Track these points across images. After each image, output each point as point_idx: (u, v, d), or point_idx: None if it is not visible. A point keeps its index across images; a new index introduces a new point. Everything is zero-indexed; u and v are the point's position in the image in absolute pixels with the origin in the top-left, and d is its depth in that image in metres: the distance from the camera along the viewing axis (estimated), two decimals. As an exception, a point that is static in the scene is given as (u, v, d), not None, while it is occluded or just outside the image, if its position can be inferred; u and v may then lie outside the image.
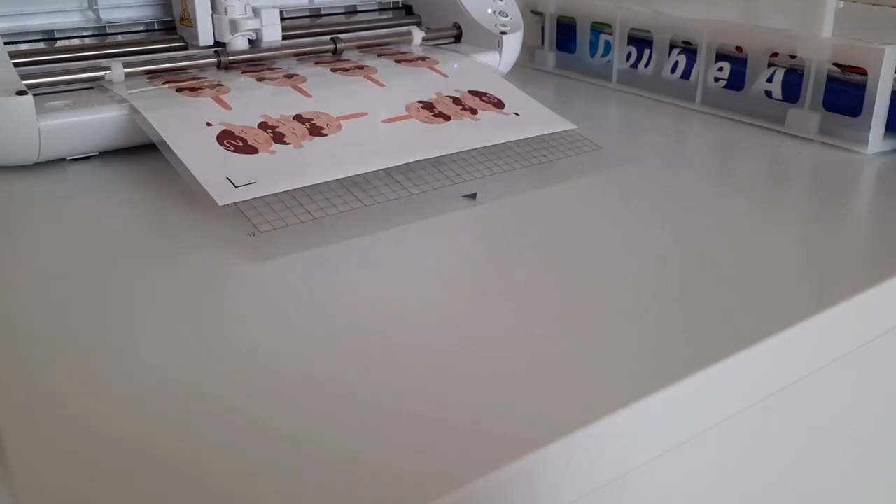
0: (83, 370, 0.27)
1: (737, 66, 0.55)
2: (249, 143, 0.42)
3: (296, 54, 0.56)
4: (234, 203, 0.38)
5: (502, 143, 0.47)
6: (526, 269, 0.34)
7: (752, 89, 0.55)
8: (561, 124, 0.49)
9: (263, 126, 0.43)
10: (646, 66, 0.61)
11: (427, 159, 0.44)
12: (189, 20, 0.53)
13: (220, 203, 0.37)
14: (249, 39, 0.54)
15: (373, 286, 0.33)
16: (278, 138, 0.42)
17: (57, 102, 0.45)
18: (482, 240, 0.37)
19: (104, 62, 0.49)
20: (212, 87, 0.48)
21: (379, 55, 0.56)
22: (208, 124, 0.43)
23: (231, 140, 0.42)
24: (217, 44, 0.53)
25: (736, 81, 0.55)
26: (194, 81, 0.49)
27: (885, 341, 0.36)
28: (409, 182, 0.43)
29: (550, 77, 0.68)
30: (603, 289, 0.33)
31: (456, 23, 0.62)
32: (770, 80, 0.53)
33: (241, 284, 0.33)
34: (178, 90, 0.47)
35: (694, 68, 0.58)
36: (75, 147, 0.45)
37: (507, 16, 0.62)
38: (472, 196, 0.41)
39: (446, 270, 0.34)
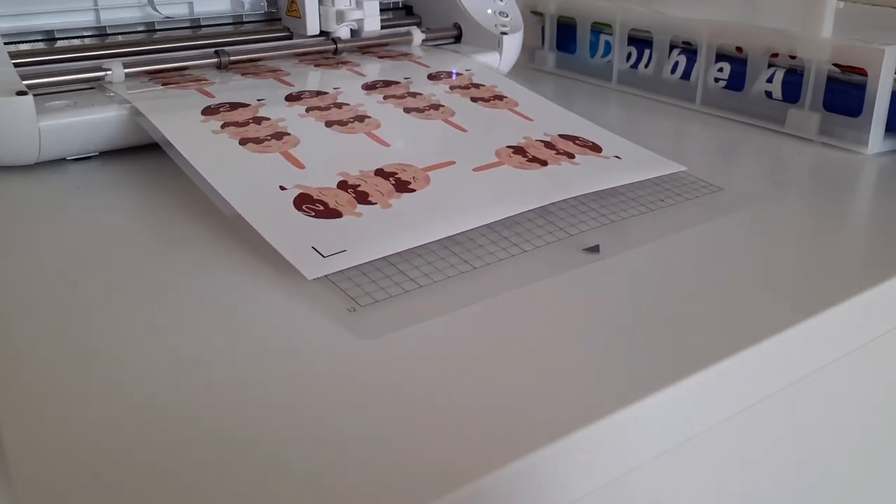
0: (83, 370, 0.27)
1: (737, 66, 0.55)
2: (331, 206, 0.37)
3: (296, 54, 0.56)
4: (327, 277, 0.33)
5: (609, 189, 0.42)
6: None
7: (752, 89, 0.55)
8: (669, 167, 0.45)
9: (343, 186, 0.39)
10: (646, 66, 0.61)
11: (533, 209, 0.39)
12: (296, 11, 0.57)
13: (310, 277, 0.32)
14: (352, 29, 0.58)
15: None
16: (362, 198, 0.38)
17: (57, 102, 0.45)
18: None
19: (104, 62, 0.49)
20: (273, 134, 0.43)
21: (451, 88, 0.52)
22: (282, 188, 0.38)
23: (310, 205, 0.37)
24: (322, 33, 0.57)
25: (736, 82, 0.55)
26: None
27: (885, 342, 0.36)
28: (517, 237, 0.37)
29: (550, 77, 0.68)
30: (601, 289, 0.33)
31: (456, 23, 0.62)
32: (770, 80, 0.53)
33: (233, 280, 0.33)
34: (225, 126, 0.44)
35: (694, 68, 0.58)
36: (75, 147, 0.45)
37: (507, 16, 0.62)
38: (595, 249, 0.36)
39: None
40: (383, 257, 0.34)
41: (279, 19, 0.60)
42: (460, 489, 0.22)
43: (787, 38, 0.52)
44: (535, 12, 0.69)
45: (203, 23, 0.58)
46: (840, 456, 0.39)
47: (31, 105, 0.42)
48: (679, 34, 0.58)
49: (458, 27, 0.62)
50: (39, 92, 0.46)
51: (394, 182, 0.39)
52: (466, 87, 0.52)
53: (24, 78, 0.45)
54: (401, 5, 0.66)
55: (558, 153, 0.44)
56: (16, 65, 0.46)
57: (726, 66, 0.56)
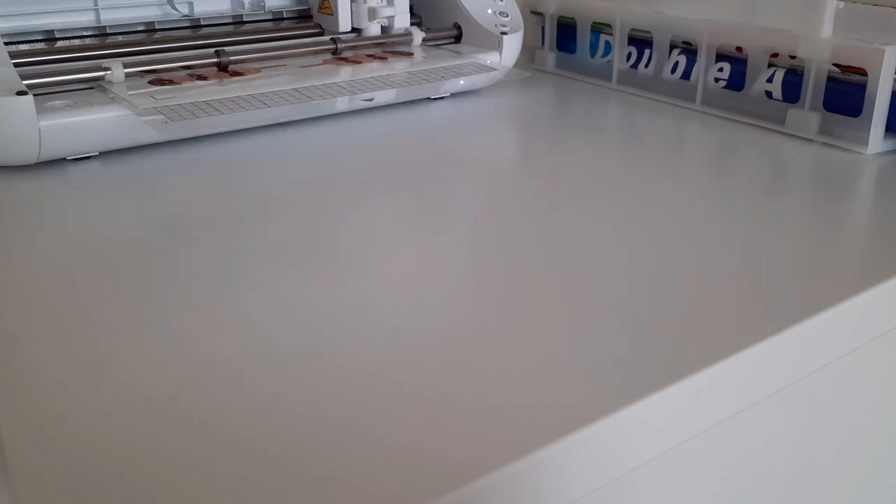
0: (83, 369, 0.27)
1: (737, 66, 0.55)
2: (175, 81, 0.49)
3: (296, 55, 0.56)
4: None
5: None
6: (523, 260, 0.34)
7: (752, 89, 0.55)
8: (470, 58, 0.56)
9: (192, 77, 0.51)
10: (646, 66, 0.61)
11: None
12: (329, 8, 0.59)
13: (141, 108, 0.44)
14: (382, 26, 0.60)
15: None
16: (201, 77, 0.50)
17: (57, 102, 0.45)
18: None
19: (104, 62, 0.49)
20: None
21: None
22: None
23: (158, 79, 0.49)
24: (354, 30, 0.59)
25: (736, 81, 0.55)
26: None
27: (885, 342, 0.36)
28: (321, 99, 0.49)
29: (550, 77, 0.68)
30: (601, 289, 0.33)
31: (456, 23, 0.62)
32: (770, 80, 0.53)
33: (233, 278, 0.33)
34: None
35: (694, 68, 0.58)
36: (75, 147, 0.46)
37: (507, 16, 0.62)
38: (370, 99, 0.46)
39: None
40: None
41: (311, 16, 0.61)
42: (460, 489, 0.22)
43: (787, 38, 0.52)
44: (535, 12, 0.69)
45: (203, 23, 0.58)
46: (840, 456, 0.39)
47: (31, 105, 0.42)
48: (679, 34, 0.58)
49: (458, 27, 0.62)
50: (39, 92, 0.46)
51: (230, 73, 0.52)
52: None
53: (24, 78, 0.45)
54: (401, 5, 0.66)
55: (377, 58, 0.56)
56: (16, 65, 0.46)
57: (726, 66, 0.56)
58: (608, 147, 0.50)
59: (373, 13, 0.58)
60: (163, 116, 0.44)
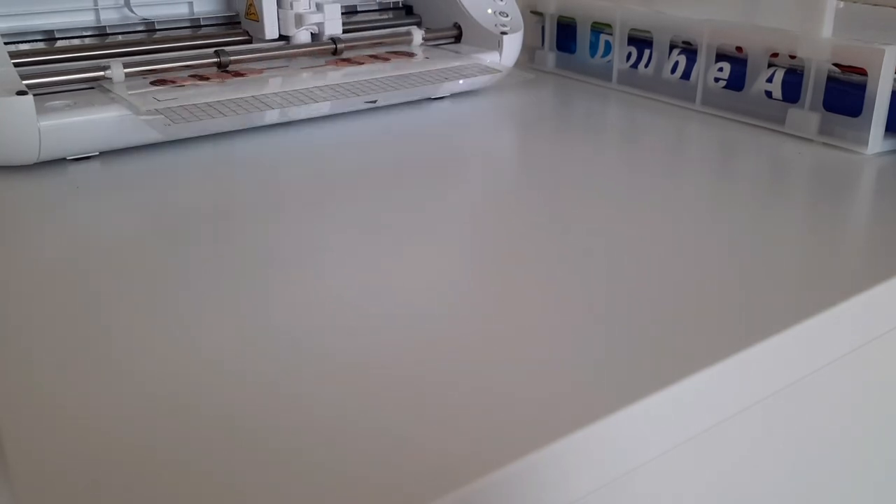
0: (82, 370, 0.27)
1: (737, 66, 0.55)
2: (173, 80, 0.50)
3: (296, 55, 0.56)
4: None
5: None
6: (532, 265, 0.34)
7: (752, 89, 0.55)
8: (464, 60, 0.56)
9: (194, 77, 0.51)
10: (646, 66, 0.61)
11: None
12: (255, 14, 0.56)
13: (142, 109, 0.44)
14: (312, 33, 0.57)
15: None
16: (202, 78, 0.50)
17: (57, 102, 0.45)
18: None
19: (104, 62, 0.49)
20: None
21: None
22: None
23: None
24: (281, 37, 0.56)
25: (736, 81, 0.55)
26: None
27: (884, 342, 0.36)
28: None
29: (550, 77, 0.68)
30: (600, 289, 0.33)
31: (456, 23, 0.62)
32: (770, 80, 0.53)
33: (233, 277, 0.33)
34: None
35: (694, 68, 0.58)
36: (75, 147, 0.46)
37: (507, 16, 0.62)
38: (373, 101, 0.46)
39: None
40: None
41: (239, 22, 0.59)
42: (461, 488, 0.22)
43: (787, 38, 0.52)
44: (535, 12, 0.69)
45: (203, 23, 0.58)
46: (841, 456, 0.39)
47: (31, 105, 0.42)
48: (679, 34, 0.58)
49: (458, 27, 0.62)
50: (39, 92, 0.46)
51: (232, 74, 0.52)
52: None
53: (24, 78, 0.45)
54: (401, 5, 0.66)
55: (379, 59, 0.57)
56: (16, 65, 0.46)
57: (726, 66, 0.56)
58: (608, 147, 0.50)
59: (300, 20, 0.55)
60: (163, 117, 0.44)
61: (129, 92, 0.47)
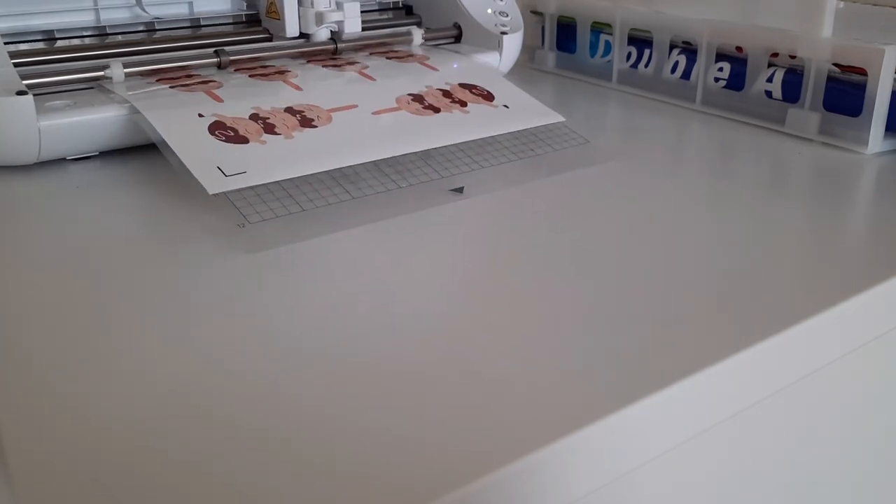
0: (82, 370, 0.27)
1: (737, 66, 0.55)
2: (240, 133, 0.42)
3: (295, 54, 0.56)
4: (225, 193, 0.38)
5: (491, 137, 0.48)
6: (517, 264, 0.34)
7: (752, 89, 0.55)
8: (550, 117, 0.50)
9: (254, 118, 0.44)
10: (646, 66, 0.61)
11: (416, 152, 0.45)
12: (276, 13, 0.56)
13: (211, 192, 0.37)
14: (332, 31, 0.57)
15: (360, 280, 0.33)
16: (269, 129, 0.43)
17: (57, 102, 0.45)
18: (470, 234, 0.37)
19: (104, 62, 0.49)
20: (204, 82, 0.48)
21: (371, 54, 0.57)
22: (200, 115, 0.43)
23: (222, 130, 0.42)
24: (301, 35, 0.56)
25: (736, 81, 0.55)
26: (188, 79, 0.49)
27: (885, 341, 0.36)
28: (397, 175, 0.43)
29: (550, 77, 0.68)
30: (601, 289, 0.33)
31: (456, 23, 0.62)
32: (770, 80, 0.53)
33: (232, 278, 0.33)
34: (173, 87, 0.48)
35: (694, 68, 0.58)
36: (75, 147, 0.45)
37: (507, 16, 0.62)
38: (459, 190, 0.42)
39: (434, 265, 0.34)
40: (278, 182, 0.40)
41: (259, 21, 0.59)
42: (461, 488, 0.22)
43: (787, 38, 0.52)
44: (535, 12, 0.69)
45: (203, 23, 0.58)
46: (841, 456, 0.39)
47: (31, 105, 0.42)
48: (679, 34, 0.58)
49: (458, 27, 0.62)
50: (39, 92, 0.46)
51: (300, 118, 0.44)
52: (386, 52, 0.57)
53: (24, 78, 0.45)
54: (401, 5, 0.66)
55: (453, 101, 0.49)
56: (16, 65, 0.46)
57: (726, 66, 0.56)
58: (608, 147, 0.50)
59: (320, 18, 0.56)
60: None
61: (129, 92, 0.47)
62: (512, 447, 0.23)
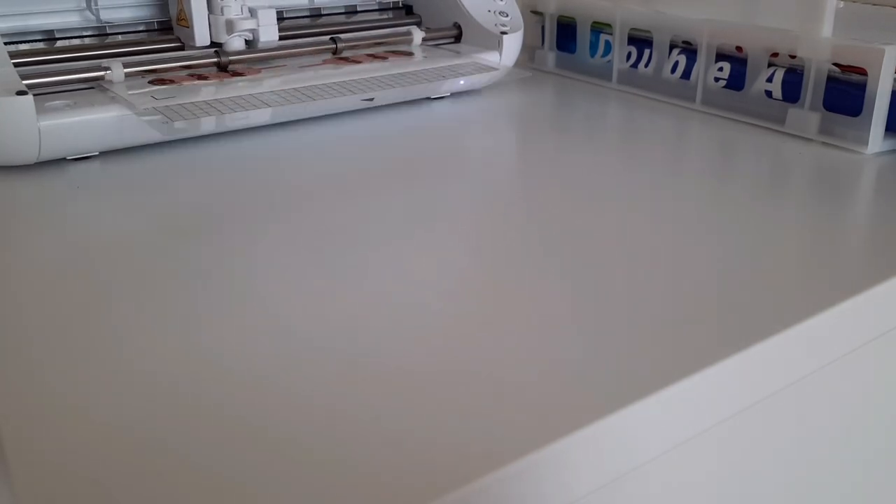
0: (82, 370, 0.27)
1: (737, 66, 0.55)
2: (171, 78, 0.50)
3: (295, 54, 0.56)
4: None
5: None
6: (517, 265, 0.34)
7: (752, 89, 0.55)
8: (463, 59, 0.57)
9: (191, 76, 0.51)
10: (646, 66, 0.61)
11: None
12: (185, 20, 0.53)
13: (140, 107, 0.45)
14: (246, 40, 0.54)
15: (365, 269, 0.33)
16: (201, 77, 0.51)
17: (57, 102, 0.45)
18: (470, 234, 0.37)
19: (104, 62, 0.49)
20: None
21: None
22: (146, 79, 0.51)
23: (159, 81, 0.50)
24: (214, 44, 0.54)
25: (736, 81, 0.55)
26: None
27: (886, 341, 0.36)
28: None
29: (550, 77, 0.68)
30: (601, 289, 0.33)
31: (456, 23, 0.62)
32: (770, 80, 0.53)
33: (232, 278, 0.33)
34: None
35: (694, 68, 0.58)
36: (75, 147, 0.46)
37: (507, 16, 0.62)
38: (370, 99, 0.46)
39: (430, 265, 0.34)
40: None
41: (171, 28, 0.56)
42: (462, 488, 0.22)
43: (787, 38, 0.52)
44: (535, 12, 0.69)
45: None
46: (841, 456, 0.39)
47: (31, 105, 0.42)
48: (679, 34, 0.58)
49: (458, 27, 0.62)
50: (39, 92, 0.46)
51: (231, 74, 0.52)
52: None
53: (24, 78, 0.45)
54: (401, 5, 0.66)
55: (377, 58, 0.57)
56: (16, 65, 0.46)
57: (726, 66, 0.56)
58: (608, 147, 0.50)
59: (231, 26, 0.53)
60: (162, 116, 0.44)
61: (129, 92, 0.47)
62: (512, 447, 0.23)
